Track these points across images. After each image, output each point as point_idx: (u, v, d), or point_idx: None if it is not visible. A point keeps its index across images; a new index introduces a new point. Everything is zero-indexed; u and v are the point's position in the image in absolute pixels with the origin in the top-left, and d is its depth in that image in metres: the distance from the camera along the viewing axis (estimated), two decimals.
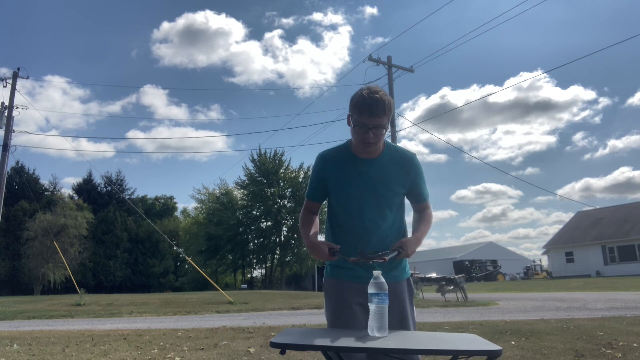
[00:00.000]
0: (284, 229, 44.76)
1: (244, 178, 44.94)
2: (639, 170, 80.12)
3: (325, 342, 1.55)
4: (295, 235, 43.87)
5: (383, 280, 1.71)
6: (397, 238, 2.12)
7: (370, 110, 1.91)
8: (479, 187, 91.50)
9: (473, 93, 69.53)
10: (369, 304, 1.71)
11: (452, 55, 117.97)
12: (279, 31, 78.73)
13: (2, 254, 37.64)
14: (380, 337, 1.66)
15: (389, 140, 2.17)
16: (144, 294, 30.28)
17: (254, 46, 78.07)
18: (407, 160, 2.10)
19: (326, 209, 2.25)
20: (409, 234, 2.17)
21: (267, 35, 76.67)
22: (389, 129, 1.89)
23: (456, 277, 15.89)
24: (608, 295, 15.49)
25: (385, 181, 2.06)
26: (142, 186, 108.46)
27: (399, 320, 2.03)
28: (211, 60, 76.63)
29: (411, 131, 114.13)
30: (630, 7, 70.03)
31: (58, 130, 79.30)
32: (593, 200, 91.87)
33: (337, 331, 1.90)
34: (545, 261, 44.14)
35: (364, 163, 2.07)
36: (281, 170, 44.25)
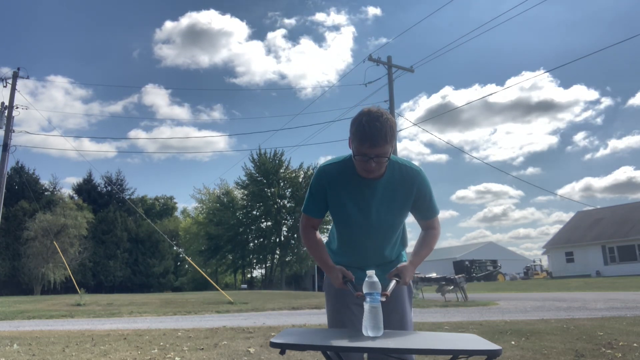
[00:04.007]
0: (284, 229, 44.79)
1: (244, 178, 45.03)
2: (639, 170, 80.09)
3: (325, 342, 1.55)
4: (295, 235, 43.85)
5: (376, 279, 1.70)
6: (398, 254, 2.12)
7: (371, 140, 1.80)
8: (480, 187, 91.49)
9: (475, 93, 69.53)
10: (364, 304, 1.70)
11: (454, 54, 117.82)
12: (281, 31, 78.75)
13: (2, 254, 37.63)
14: (375, 337, 1.65)
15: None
16: (144, 294, 30.29)
17: (256, 46, 78.12)
18: (412, 177, 2.00)
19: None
20: (408, 234, 2.15)
21: (270, 35, 76.66)
22: (393, 148, 1.84)
23: (456, 277, 15.89)
24: (608, 295, 15.49)
25: (387, 203, 2.00)
26: (144, 186, 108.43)
27: (398, 321, 2.02)
28: (214, 60, 76.68)
29: (412, 131, 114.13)
30: (632, 9, 69.98)
31: (60, 130, 79.14)
32: (593, 200, 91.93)
33: (337, 331, 1.90)
34: (545, 261, 44.17)
35: (366, 184, 1.98)
36: (281, 170, 44.27)
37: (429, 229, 2.11)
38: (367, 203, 2.00)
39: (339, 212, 2.05)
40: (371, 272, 1.72)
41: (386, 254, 2.07)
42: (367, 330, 1.68)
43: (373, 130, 1.80)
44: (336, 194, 2.02)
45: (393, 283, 1.90)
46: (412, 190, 2.01)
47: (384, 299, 1.73)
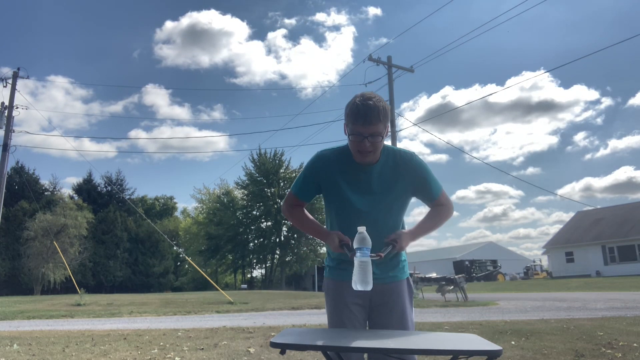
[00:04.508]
0: (284, 229, 44.75)
1: (244, 178, 45.05)
2: (639, 170, 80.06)
3: (325, 342, 1.55)
4: (295, 235, 43.83)
5: (366, 235, 1.75)
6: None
7: (364, 118, 1.85)
8: (480, 187, 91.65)
9: (475, 93, 69.56)
10: (354, 259, 1.75)
11: (454, 54, 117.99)
12: (282, 31, 78.82)
13: (2, 254, 37.62)
14: (364, 291, 1.74)
15: (390, 141, 2.15)
16: (144, 294, 30.26)
17: (257, 46, 78.20)
18: (406, 161, 2.03)
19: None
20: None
21: (270, 35, 76.76)
22: (389, 133, 1.92)
23: (456, 277, 15.90)
24: (608, 295, 15.49)
25: (385, 187, 2.00)
26: (144, 186, 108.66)
27: (399, 320, 2.01)
28: (214, 60, 76.80)
29: (412, 131, 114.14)
30: (632, 9, 69.97)
31: (60, 130, 79.26)
32: (593, 200, 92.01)
33: (337, 331, 1.90)
34: (545, 261, 44.17)
35: (362, 169, 2.00)
36: (281, 170, 44.28)
37: (437, 207, 2.12)
38: (363, 188, 2.00)
39: (334, 198, 2.05)
40: (362, 229, 1.77)
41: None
42: (356, 285, 1.73)
43: (366, 109, 1.85)
44: (331, 178, 2.03)
45: (389, 248, 1.91)
46: (408, 175, 2.02)
47: (376, 257, 1.77)
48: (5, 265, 37.41)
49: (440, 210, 2.11)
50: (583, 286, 22.76)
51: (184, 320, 10.36)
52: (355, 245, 1.75)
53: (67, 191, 46.19)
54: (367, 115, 1.85)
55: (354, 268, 1.74)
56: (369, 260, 1.72)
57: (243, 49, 75.80)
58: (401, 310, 2.03)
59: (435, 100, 68.92)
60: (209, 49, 75.20)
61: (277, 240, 44.63)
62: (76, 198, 43.90)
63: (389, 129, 2.02)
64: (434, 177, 2.08)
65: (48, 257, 33.68)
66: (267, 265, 48.36)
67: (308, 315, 11.03)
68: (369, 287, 1.72)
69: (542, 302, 13.37)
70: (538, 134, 76.13)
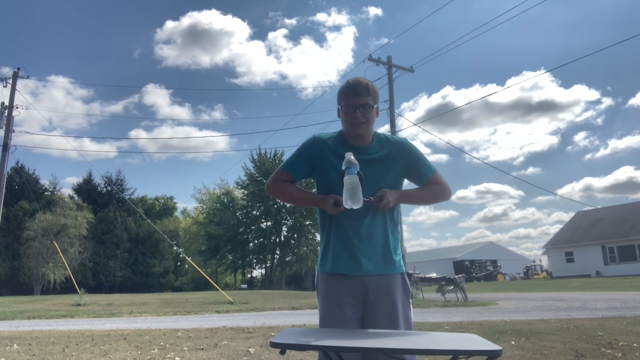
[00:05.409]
0: (284, 229, 44.77)
1: (244, 178, 45.06)
2: (639, 170, 79.98)
3: (325, 342, 1.55)
4: (296, 235, 43.83)
5: (353, 157, 1.90)
6: (389, 225, 2.06)
7: (355, 91, 2.03)
8: (480, 187, 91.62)
9: (475, 93, 69.51)
10: (343, 178, 1.86)
11: (454, 55, 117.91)
12: (282, 31, 78.78)
13: (2, 254, 37.61)
14: (354, 208, 1.83)
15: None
16: (144, 294, 30.27)
17: (257, 46, 78.18)
18: (399, 143, 2.11)
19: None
20: (405, 230, 2.13)
21: (271, 35, 76.65)
22: (379, 114, 2.11)
23: (456, 277, 15.89)
24: (608, 295, 15.49)
25: (376, 165, 2.04)
26: (144, 186, 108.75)
27: (388, 317, 1.96)
28: (215, 60, 76.79)
29: (412, 131, 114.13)
30: (632, 9, 69.89)
31: (61, 130, 79.11)
32: (594, 200, 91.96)
33: (337, 331, 1.90)
34: (545, 261, 44.19)
35: (356, 150, 2.04)
36: None
37: (432, 184, 2.14)
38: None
39: (327, 179, 2.08)
40: (349, 153, 1.92)
41: (377, 237, 2.01)
42: (347, 202, 1.82)
43: (356, 83, 2.06)
44: (326, 158, 2.08)
45: (376, 199, 1.96)
46: (401, 154, 2.09)
47: (367, 199, 1.89)
48: (5, 265, 37.39)
49: (434, 187, 2.13)
50: (583, 286, 22.76)
51: (184, 320, 10.36)
52: (343, 167, 1.88)
53: (67, 191, 46.24)
54: (358, 87, 2.04)
55: (344, 187, 1.86)
56: (357, 179, 1.84)
57: (243, 49, 75.83)
58: (391, 307, 1.98)
59: (435, 100, 68.96)
60: (209, 49, 75.26)
61: (277, 240, 44.65)
62: (76, 198, 43.90)
63: (379, 111, 2.15)
64: (428, 160, 2.15)
65: (48, 257, 33.68)
66: (267, 265, 48.37)
67: (308, 315, 11.02)
68: (359, 204, 1.81)
69: (542, 302, 13.37)
70: (538, 134, 76.17)
